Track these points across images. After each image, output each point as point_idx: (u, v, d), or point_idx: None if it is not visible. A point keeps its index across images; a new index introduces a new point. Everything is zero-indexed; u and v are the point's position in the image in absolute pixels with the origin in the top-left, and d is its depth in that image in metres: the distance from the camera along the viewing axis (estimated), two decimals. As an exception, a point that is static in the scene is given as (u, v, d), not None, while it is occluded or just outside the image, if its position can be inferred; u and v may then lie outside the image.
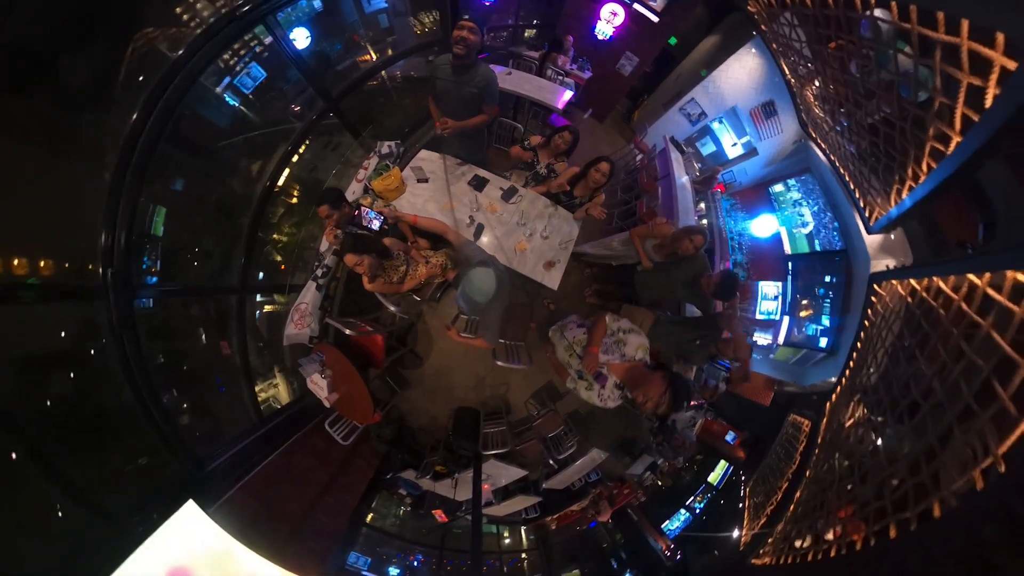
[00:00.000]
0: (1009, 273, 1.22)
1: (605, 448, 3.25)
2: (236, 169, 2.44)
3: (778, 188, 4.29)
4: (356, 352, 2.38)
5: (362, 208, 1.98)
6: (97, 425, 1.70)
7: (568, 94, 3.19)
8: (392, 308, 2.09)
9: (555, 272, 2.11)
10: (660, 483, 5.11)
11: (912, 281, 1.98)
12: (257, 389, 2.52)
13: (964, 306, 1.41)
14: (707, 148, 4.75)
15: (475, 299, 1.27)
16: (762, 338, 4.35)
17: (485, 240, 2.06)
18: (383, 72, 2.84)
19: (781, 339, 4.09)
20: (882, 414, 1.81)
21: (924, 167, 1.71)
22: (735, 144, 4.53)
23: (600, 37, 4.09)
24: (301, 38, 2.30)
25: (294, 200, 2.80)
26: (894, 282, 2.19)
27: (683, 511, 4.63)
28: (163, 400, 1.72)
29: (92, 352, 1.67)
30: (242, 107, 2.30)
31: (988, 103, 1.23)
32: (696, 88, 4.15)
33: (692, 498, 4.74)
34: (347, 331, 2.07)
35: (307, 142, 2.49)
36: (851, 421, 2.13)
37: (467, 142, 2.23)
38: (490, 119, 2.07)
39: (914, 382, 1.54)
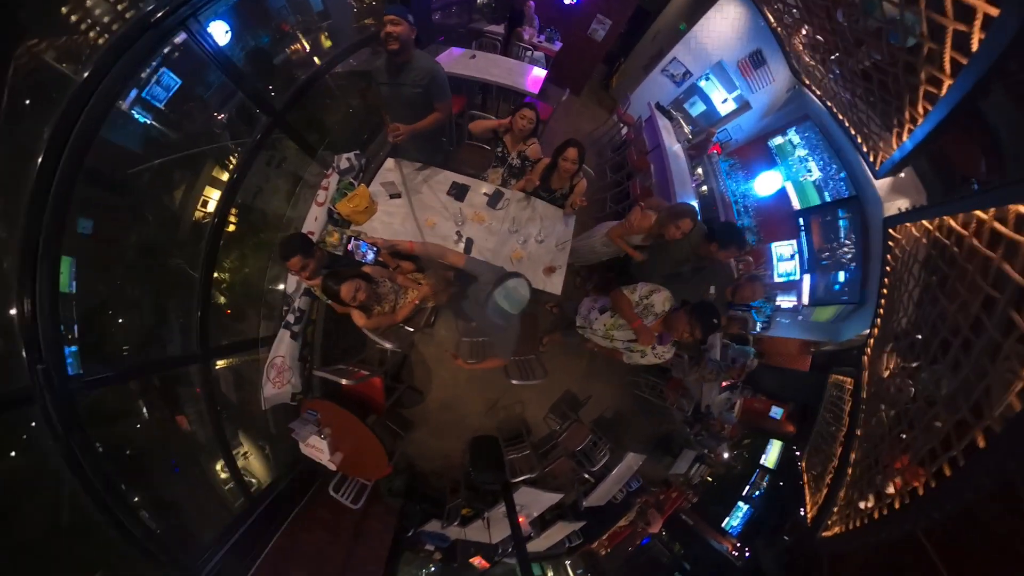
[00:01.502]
0: (1011, 207, 1.46)
1: (641, 450, 3.38)
2: (159, 200, 2.26)
3: (778, 141, 4.57)
4: (351, 401, 2.34)
5: (354, 241, 2.01)
6: (49, 550, 1.58)
7: (539, 72, 3.32)
8: (387, 345, 2.12)
9: (556, 277, 2.22)
10: (711, 479, 5.30)
11: (924, 222, 2.24)
12: (221, 466, 2.36)
13: (975, 242, 1.66)
14: (696, 108, 4.98)
15: (511, 312, 1.44)
16: (786, 300, 4.61)
17: (477, 255, 2.13)
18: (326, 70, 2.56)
19: (806, 298, 4.35)
20: (916, 359, 2.05)
21: (920, 109, 1.96)
22: (726, 100, 4.75)
23: (567, 1, 4.20)
24: (219, 33, 1.98)
25: (230, 227, 2.45)
26: (908, 225, 2.45)
27: (742, 504, 4.79)
28: (128, 501, 1.62)
29: (22, 462, 1.55)
30: (156, 123, 2.04)
31: (975, 47, 1.45)
32: (677, 46, 4.31)
33: (748, 487, 4.91)
34: (343, 380, 2.07)
35: (234, 159, 2.32)
36: (889, 371, 2.37)
37: (424, 145, 2.23)
38: (446, 116, 2.08)
39: (940, 322, 1.78)
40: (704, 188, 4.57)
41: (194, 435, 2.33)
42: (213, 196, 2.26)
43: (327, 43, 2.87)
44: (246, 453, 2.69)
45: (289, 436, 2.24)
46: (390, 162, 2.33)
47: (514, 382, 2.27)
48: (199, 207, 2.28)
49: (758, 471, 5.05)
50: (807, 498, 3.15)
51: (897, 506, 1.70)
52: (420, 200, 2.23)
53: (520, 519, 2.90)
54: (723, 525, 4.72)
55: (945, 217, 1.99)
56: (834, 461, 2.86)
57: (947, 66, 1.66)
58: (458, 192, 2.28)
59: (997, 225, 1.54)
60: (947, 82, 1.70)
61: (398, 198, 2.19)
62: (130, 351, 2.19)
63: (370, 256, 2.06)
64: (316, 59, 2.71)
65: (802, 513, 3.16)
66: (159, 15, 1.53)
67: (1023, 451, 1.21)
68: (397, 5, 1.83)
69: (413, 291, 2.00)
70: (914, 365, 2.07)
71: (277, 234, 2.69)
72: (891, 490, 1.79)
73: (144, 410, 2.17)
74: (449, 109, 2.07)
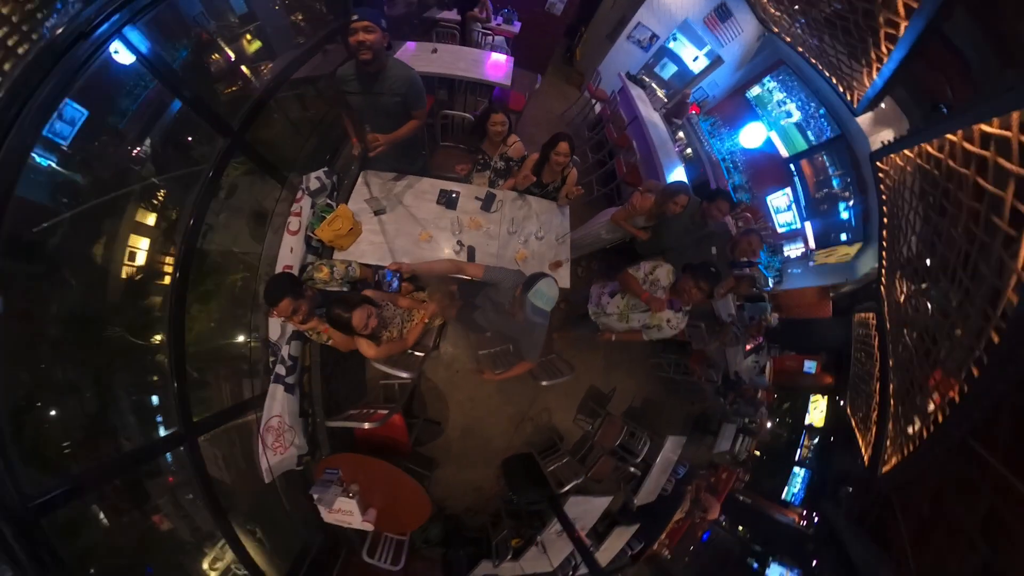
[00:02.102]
0: (975, 127, 1.81)
1: (679, 432, 3.58)
2: (80, 259, 2.05)
3: (755, 91, 5.00)
4: (370, 448, 2.37)
5: (378, 272, 2.01)
6: None
7: (503, 59, 3.55)
8: (403, 375, 2.19)
9: (563, 271, 2.45)
10: (758, 453, 5.56)
11: (906, 151, 2.67)
12: (207, 566, 2.19)
13: (951, 163, 2.04)
14: (668, 70, 5.37)
15: (547, 309, 1.67)
16: (794, 250, 4.99)
17: (481, 255, 2.31)
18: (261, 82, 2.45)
19: (812, 243, 4.74)
20: (924, 279, 2.40)
21: (884, 49, 2.35)
22: (697, 58, 5.15)
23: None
24: (124, 52, 1.77)
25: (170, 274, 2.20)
26: (892, 156, 2.87)
27: (797, 469, 5.06)
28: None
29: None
30: (62, 167, 1.82)
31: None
32: (640, 10, 4.66)
33: (799, 451, 5.20)
34: (365, 424, 2.06)
35: (161, 195, 2.18)
36: (903, 295, 2.71)
37: (402, 154, 2.31)
38: (424, 122, 2.20)
39: (938, 239, 2.13)
40: (689, 151, 4.92)
41: (176, 533, 2.14)
42: (141, 245, 2.10)
43: (254, 46, 2.72)
44: (256, 534, 2.62)
45: (302, 510, 2.18)
46: (373, 176, 2.39)
47: (543, 384, 2.42)
48: (128, 260, 2.09)
49: (805, 432, 5.35)
50: (860, 442, 3.44)
51: (940, 419, 1.97)
52: (409, 214, 2.33)
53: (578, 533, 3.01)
54: (783, 497, 4.96)
55: (923, 144, 2.41)
56: (875, 398, 3.17)
57: (901, 9, 2.02)
58: (448, 200, 2.41)
59: (967, 145, 1.90)
60: (903, 24, 2.06)
61: (383, 214, 2.27)
62: (74, 448, 1.88)
63: (395, 284, 2.08)
64: (244, 68, 2.65)
65: (859, 461, 3.44)
66: (96, 21, 1.37)
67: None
68: (366, 7, 1.77)
69: (419, 311, 2.12)
70: (924, 286, 2.43)
71: (241, 276, 2.60)
72: (932, 407, 2.08)
73: (105, 517, 1.88)
74: (425, 115, 2.18)
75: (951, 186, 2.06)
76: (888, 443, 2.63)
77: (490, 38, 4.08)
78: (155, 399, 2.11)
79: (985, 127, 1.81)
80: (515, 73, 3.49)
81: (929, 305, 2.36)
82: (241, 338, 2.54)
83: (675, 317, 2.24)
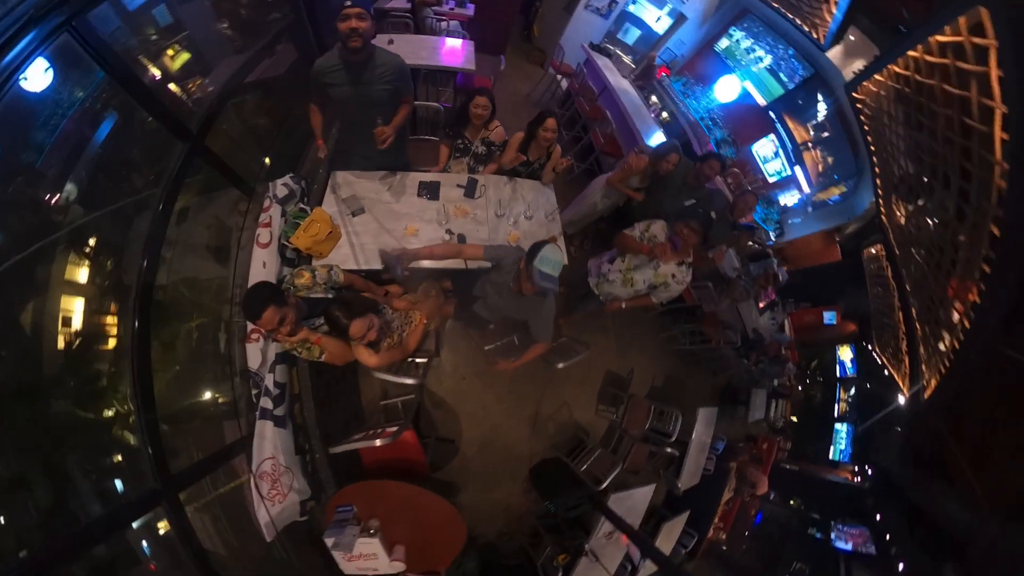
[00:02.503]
0: (931, 39, 2.07)
1: (709, 402, 3.63)
2: (10, 326, 1.88)
3: (723, 44, 5.28)
4: (383, 476, 2.19)
5: (386, 256, 1.98)
6: None
7: (458, 44, 3.66)
8: (408, 381, 2.19)
9: (560, 247, 2.50)
10: (795, 418, 5.65)
11: (876, 76, 2.99)
12: None
13: (917, 77, 2.30)
14: (632, 35, 5.63)
15: (555, 274, 1.74)
16: (789, 198, 5.22)
17: (473, 242, 2.34)
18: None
19: (806, 187, 4.97)
20: (919, 194, 2.60)
21: None
22: (659, 18, 5.43)
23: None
24: (37, 74, 1.71)
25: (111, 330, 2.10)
26: (865, 84, 3.15)
27: (839, 426, 5.16)
28: None
29: None
30: None
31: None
32: None
33: (837, 406, 5.31)
34: (377, 442, 1.98)
35: (93, 242, 2.05)
36: (903, 217, 2.91)
37: (391, 146, 2.26)
38: (411, 109, 2.30)
39: (923, 153, 2.36)
40: (665, 115, 5.14)
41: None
42: (75, 307, 1.95)
43: (183, 58, 2.67)
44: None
45: (318, 571, 2.04)
46: (343, 176, 2.42)
47: (559, 366, 2.47)
48: (63, 325, 1.94)
49: (839, 386, 5.49)
50: (896, 377, 3.56)
51: (968, 325, 2.09)
52: (390, 210, 2.37)
53: (624, 538, 2.97)
54: (831, 457, 5.04)
55: (890, 66, 2.68)
56: (901, 327, 3.31)
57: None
58: (430, 191, 2.48)
59: (928, 58, 2.16)
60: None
61: (362, 214, 2.29)
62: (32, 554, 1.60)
63: (399, 271, 2.09)
64: (174, 86, 2.63)
65: (900, 399, 3.55)
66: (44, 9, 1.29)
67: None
68: None
69: (416, 313, 2.13)
70: (920, 202, 2.63)
71: (208, 306, 2.50)
72: (956, 317, 2.22)
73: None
74: (412, 100, 2.29)
75: (923, 99, 2.30)
76: (924, 367, 2.76)
77: (444, 23, 4.21)
78: (120, 472, 2.00)
79: (940, 37, 2.07)
80: (477, 57, 3.61)
81: (929, 220, 2.55)
82: (215, 375, 2.41)
83: (679, 271, 2.35)
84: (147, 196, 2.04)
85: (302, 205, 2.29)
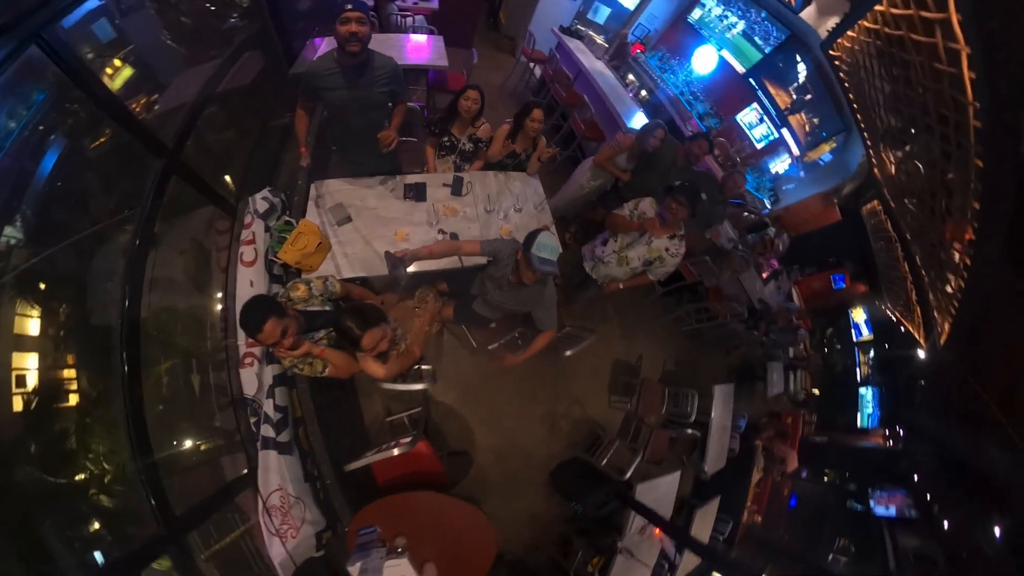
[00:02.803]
0: None
1: (724, 381, 3.72)
2: None
3: (696, 14, 5.49)
4: (405, 486, 2.24)
5: (389, 259, 1.98)
6: None
7: (423, 39, 3.77)
8: (418, 387, 2.25)
9: (553, 233, 2.63)
10: (817, 391, 5.75)
11: (849, 33, 3.22)
12: None
13: (886, 30, 2.52)
14: (602, 14, 5.80)
15: (553, 258, 1.86)
16: (780, 163, 5.40)
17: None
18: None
19: (795, 149, 5.15)
20: (905, 141, 2.78)
21: None
22: None
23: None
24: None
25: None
26: (839, 41, 3.39)
27: (863, 390, 5.27)
28: None
29: None
30: None
31: None
32: None
33: (859, 371, 5.43)
34: (395, 451, 2.04)
35: (43, 285, 1.96)
36: (893, 166, 3.08)
37: (379, 151, 2.32)
38: (406, 109, 2.40)
39: (902, 103, 2.54)
40: (644, 93, 5.31)
41: None
42: (29, 364, 1.83)
43: (126, 73, 2.54)
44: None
45: None
46: (327, 184, 2.48)
47: (567, 354, 2.56)
48: (17, 378, 1.82)
49: (857, 351, 5.61)
50: (911, 330, 3.69)
51: (968, 263, 2.23)
52: (378, 216, 2.44)
53: (656, 532, 3.02)
54: (859, 424, 5.13)
55: (859, 22, 2.90)
56: (908, 277, 3.46)
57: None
58: (417, 192, 2.57)
59: (893, 10, 2.36)
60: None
61: (349, 223, 2.36)
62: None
63: (401, 270, 2.15)
64: (135, 102, 2.46)
65: (919, 351, 3.68)
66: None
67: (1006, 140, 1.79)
68: None
69: (417, 318, 2.20)
70: (907, 148, 2.80)
71: (194, 337, 2.47)
72: (957, 257, 2.37)
73: None
74: (407, 103, 2.42)
75: (895, 50, 2.51)
76: (936, 313, 2.90)
77: (409, 19, 4.35)
78: (106, 536, 1.95)
79: (900, -12, 2.25)
80: (447, 52, 3.71)
81: (918, 164, 2.72)
82: (208, 408, 2.39)
83: (672, 244, 2.48)
84: (107, 226, 2.05)
85: (287, 218, 2.34)
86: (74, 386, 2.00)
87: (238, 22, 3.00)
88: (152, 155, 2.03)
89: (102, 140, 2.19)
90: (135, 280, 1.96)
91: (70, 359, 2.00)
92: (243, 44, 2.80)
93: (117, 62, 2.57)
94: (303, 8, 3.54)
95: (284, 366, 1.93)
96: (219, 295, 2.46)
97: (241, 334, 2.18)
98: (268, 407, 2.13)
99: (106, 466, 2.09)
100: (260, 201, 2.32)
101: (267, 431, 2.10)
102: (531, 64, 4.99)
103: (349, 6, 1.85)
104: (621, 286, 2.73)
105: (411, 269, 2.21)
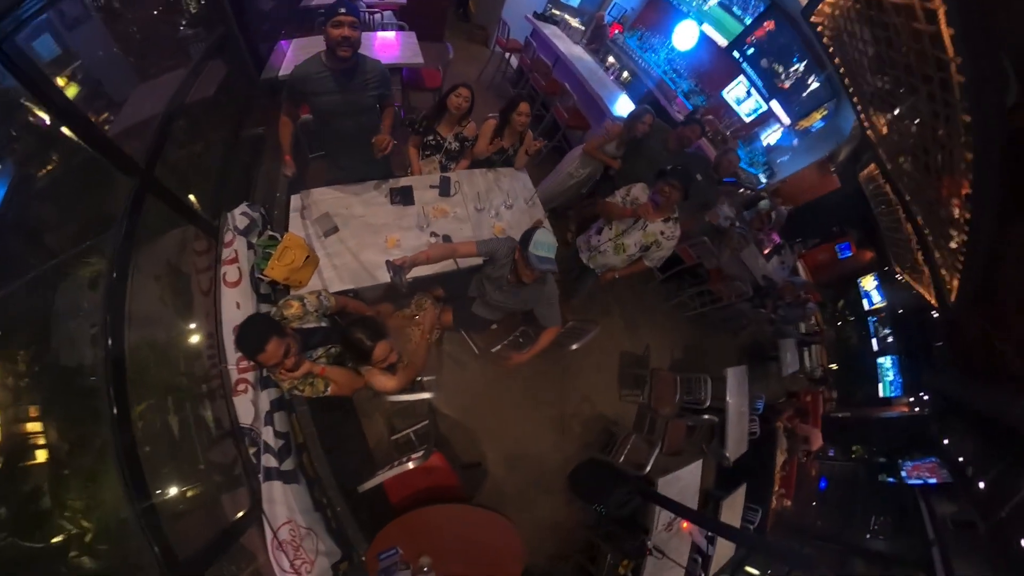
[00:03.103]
0: None
1: (736, 362, 3.81)
2: None
3: None
4: (422, 502, 2.27)
5: (390, 267, 1.97)
6: None
7: (391, 35, 3.84)
8: (426, 395, 2.33)
9: (547, 227, 2.72)
10: (834, 366, 5.87)
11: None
12: None
13: None
14: None
15: (551, 255, 1.91)
16: (772, 135, 5.55)
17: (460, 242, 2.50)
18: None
19: (785, 119, 5.31)
20: (893, 102, 2.91)
21: None
22: None
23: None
24: None
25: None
26: (820, 6, 3.52)
27: (882, 359, 5.40)
28: None
29: None
30: None
31: None
32: None
33: (876, 341, 5.57)
34: (410, 464, 2.07)
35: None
36: (885, 127, 3.21)
37: (370, 154, 2.36)
38: (395, 112, 2.47)
39: (887, 64, 2.65)
40: (625, 75, 5.43)
41: None
42: None
43: (72, 91, 2.62)
44: None
45: None
46: (310, 194, 2.50)
47: (573, 347, 2.60)
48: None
49: (872, 320, 5.76)
50: (922, 291, 3.81)
51: (969, 215, 2.34)
52: (366, 223, 2.47)
53: (684, 525, 3.08)
54: (882, 395, 5.26)
55: None
56: (912, 239, 3.59)
57: None
58: (404, 196, 2.62)
59: None
60: None
61: (336, 233, 2.39)
62: None
63: (400, 277, 2.19)
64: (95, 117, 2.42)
65: (932, 311, 3.80)
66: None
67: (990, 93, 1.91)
68: (348, 1, 1.93)
69: (417, 326, 2.26)
70: (897, 110, 2.94)
71: (180, 368, 2.39)
72: (956, 212, 2.49)
73: None
74: (395, 105, 2.49)
75: (874, 13, 2.62)
76: (943, 271, 3.02)
77: (378, 15, 4.42)
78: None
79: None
80: (423, 51, 3.77)
81: (908, 124, 2.85)
82: (200, 443, 2.32)
83: (667, 227, 2.57)
84: (69, 257, 2.01)
85: (271, 233, 2.35)
86: (42, 440, 1.90)
87: (197, 30, 2.99)
88: (123, 174, 1.99)
89: (56, 163, 2.14)
90: (116, 312, 1.90)
91: (34, 411, 1.92)
92: (208, 51, 2.79)
93: (62, 80, 2.44)
94: (267, 8, 3.54)
95: (283, 388, 1.96)
96: (204, 321, 2.43)
97: (232, 358, 2.21)
98: (268, 435, 2.12)
99: (85, 523, 2.01)
100: (239, 217, 2.31)
101: (269, 461, 2.09)
102: (506, 54, 5.07)
103: (342, 9, 1.90)
104: (617, 275, 2.82)
105: (411, 275, 2.26)
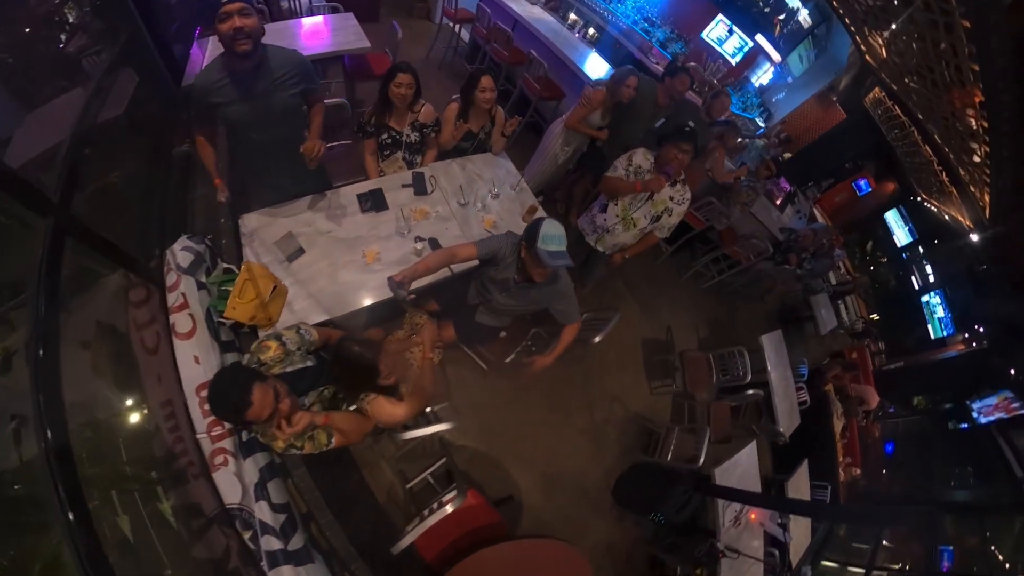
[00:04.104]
0: None
1: (768, 329, 3.95)
2: None
3: None
4: (464, 550, 2.27)
5: (391, 284, 1.94)
6: None
7: (319, 20, 3.78)
8: (443, 426, 2.30)
9: (541, 215, 2.78)
10: (875, 316, 6.07)
11: None
12: None
13: None
14: None
15: (563, 248, 1.93)
16: (763, 74, 5.73)
17: (450, 244, 2.43)
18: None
19: (776, 56, 5.49)
20: (887, 22, 3.04)
21: None
22: None
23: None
24: None
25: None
26: None
27: (927, 298, 5.59)
28: None
29: None
30: None
31: None
32: None
33: (914, 279, 5.76)
34: (448, 508, 2.09)
35: None
36: (884, 48, 3.36)
37: (303, 166, 2.29)
38: (324, 109, 2.41)
39: None
40: (592, 31, 5.53)
41: None
42: None
43: None
44: None
45: None
46: (260, 217, 2.44)
47: (595, 340, 2.65)
48: None
49: (905, 256, 5.98)
50: (953, 214, 3.99)
51: (986, 125, 2.47)
52: (337, 239, 2.44)
53: (752, 515, 3.13)
54: (934, 336, 5.45)
55: None
56: (933, 160, 3.76)
57: None
58: (375, 201, 2.60)
59: None
60: None
61: (302, 256, 2.34)
62: None
63: (403, 293, 2.13)
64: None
65: (971, 236, 3.98)
66: None
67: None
68: None
69: (416, 348, 2.26)
70: (893, 27, 3.08)
71: (131, 456, 2.19)
72: (974, 123, 2.63)
73: None
74: (324, 101, 2.41)
75: None
76: (972, 188, 3.17)
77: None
78: None
79: None
80: (365, 30, 3.75)
81: (907, 41, 3.00)
82: (176, 541, 2.19)
83: (676, 192, 2.67)
84: None
85: (225, 266, 2.26)
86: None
87: (89, 40, 2.84)
88: (34, 214, 1.80)
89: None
90: (50, 393, 1.73)
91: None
92: (114, 62, 2.59)
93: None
94: (175, 6, 3.38)
95: (277, 450, 1.89)
96: (156, 387, 2.26)
97: (201, 426, 2.11)
98: (263, 512, 2.00)
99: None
100: (181, 253, 2.17)
101: (271, 543, 1.98)
102: (456, 26, 5.12)
103: None
104: (627, 255, 2.90)
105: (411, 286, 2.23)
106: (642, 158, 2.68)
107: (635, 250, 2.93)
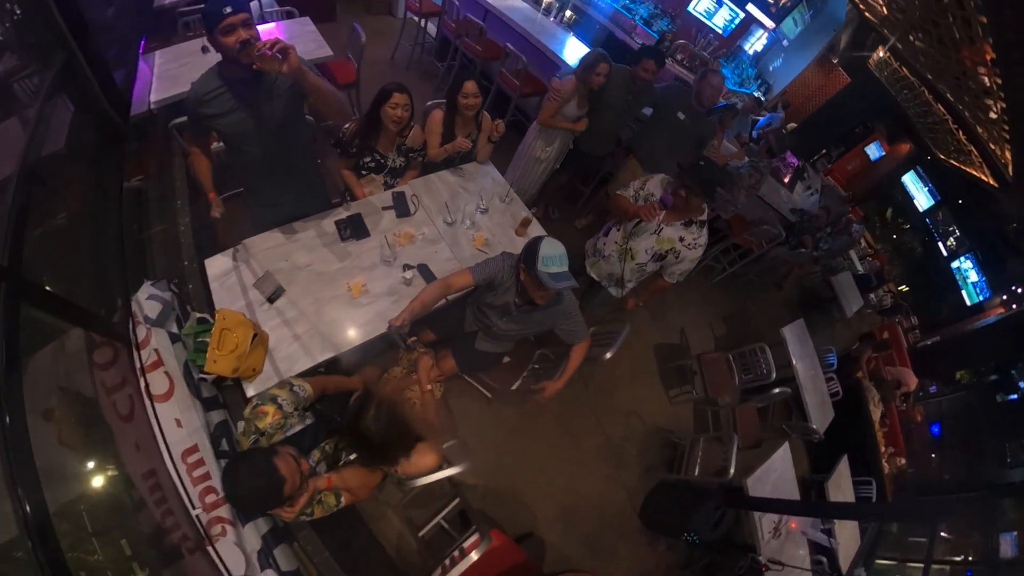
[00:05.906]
0: None
1: (789, 319, 4.02)
2: None
3: None
4: None
5: (392, 330, 1.97)
6: None
7: (273, 27, 3.89)
8: (456, 469, 2.31)
9: (534, 228, 2.86)
10: (904, 288, 6.22)
11: None
12: None
13: None
14: None
15: (565, 268, 1.97)
16: (756, 42, 5.88)
17: (441, 269, 2.55)
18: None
19: (769, 22, 5.64)
20: None
21: None
22: None
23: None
24: None
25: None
26: None
27: (958, 263, 5.70)
28: None
29: None
30: None
31: None
32: None
33: (942, 246, 5.91)
34: (474, 555, 2.13)
35: None
36: (883, 6, 3.50)
37: (303, 184, 2.38)
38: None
39: None
40: (568, 14, 5.61)
41: None
42: None
43: None
44: None
45: None
46: (246, 246, 2.45)
47: (607, 356, 2.71)
48: None
49: (929, 220, 6.13)
50: (974, 173, 4.14)
51: (1001, 81, 2.62)
52: (318, 273, 2.45)
53: (792, 524, 3.23)
54: (970, 303, 5.58)
55: None
56: (947, 119, 3.91)
57: None
58: (354, 229, 2.62)
59: None
60: None
61: (281, 296, 2.34)
62: None
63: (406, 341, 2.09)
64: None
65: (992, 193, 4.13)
66: None
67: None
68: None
69: (416, 385, 2.33)
70: None
71: (111, 538, 2.11)
72: (986, 80, 2.77)
73: None
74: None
75: None
76: (992, 145, 3.31)
77: (256, 3, 4.43)
78: None
79: None
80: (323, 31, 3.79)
81: None
82: None
83: (688, 234, 2.51)
84: None
85: (198, 315, 2.23)
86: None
87: (13, 66, 2.78)
88: None
89: None
90: (24, 467, 1.69)
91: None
92: (49, 89, 2.45)
93: None
94: (110, 18, 3.23)
95: (286, 521, 1.95)
96: (135, 457, 2.23)
97: (195, 497, 2.16)
98: None
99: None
100: (147, 303, 2.15)
101: None
102: (421, 20, 5.14)
103: (228, 9, 1.82)
104: (641, 303, 2.95)
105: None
106: (656, 185, 2.60)
107: (645, 298, 2.95)
